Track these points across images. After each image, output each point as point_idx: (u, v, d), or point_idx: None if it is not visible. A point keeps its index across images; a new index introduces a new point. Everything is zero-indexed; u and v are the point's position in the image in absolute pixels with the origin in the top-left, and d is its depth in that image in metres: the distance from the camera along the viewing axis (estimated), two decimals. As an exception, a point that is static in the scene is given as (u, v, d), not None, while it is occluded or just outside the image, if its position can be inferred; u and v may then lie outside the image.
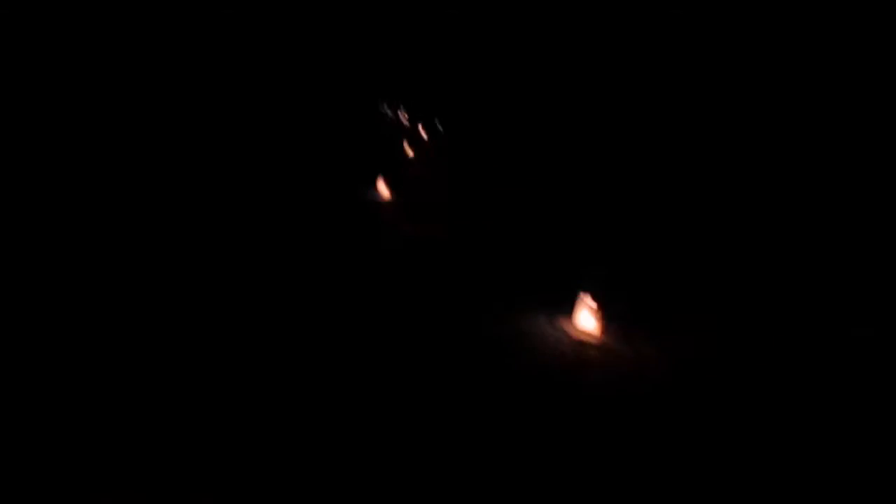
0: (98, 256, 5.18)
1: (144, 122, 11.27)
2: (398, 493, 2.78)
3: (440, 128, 25.02)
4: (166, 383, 3.34)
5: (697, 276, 6.74)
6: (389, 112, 32.66)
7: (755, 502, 2.69)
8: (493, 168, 14.69)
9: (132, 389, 3.13)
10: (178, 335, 3.81)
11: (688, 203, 9.92)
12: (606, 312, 4.91)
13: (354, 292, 5.23)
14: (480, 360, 4.21)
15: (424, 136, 22.87)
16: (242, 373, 3.52)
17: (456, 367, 4.09)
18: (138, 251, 5.78)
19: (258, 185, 9.39)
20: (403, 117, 31.07)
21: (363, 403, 3.50)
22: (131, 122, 10.86)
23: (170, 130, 11.25)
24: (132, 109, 11.65)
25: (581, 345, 4.69)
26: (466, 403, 3.62)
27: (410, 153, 16.84)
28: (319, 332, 4.25)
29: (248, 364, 3.62)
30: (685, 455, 3.31)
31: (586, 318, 4.88)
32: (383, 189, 10.25)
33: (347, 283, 5.50)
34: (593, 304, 4.90)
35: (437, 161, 15.93)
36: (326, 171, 12.02)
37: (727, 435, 3.49)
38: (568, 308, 5.16)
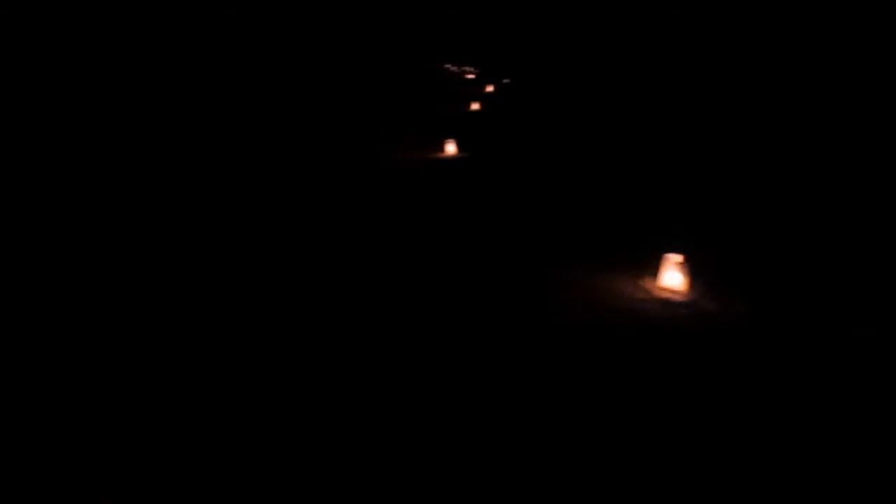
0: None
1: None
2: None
3: (506, 81, 24.45)
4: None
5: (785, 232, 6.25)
6: (455, 68, 32.25)
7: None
8: (563, 120, 14.19)
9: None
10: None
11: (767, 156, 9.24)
12: (693, 268, 4.62)
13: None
14: (564, 320, 4.08)
15: (491, 89, 22.38)
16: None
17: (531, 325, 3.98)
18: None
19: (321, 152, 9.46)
20: (468, 73, 30.60)
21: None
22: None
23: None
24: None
25: (667, 304, 4.44)
26: (539, 363, 3.52)
27: (476, 106, 16.50)
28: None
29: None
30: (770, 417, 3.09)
31: (672, 276, 4.62)
32: (451, 148, 10.10)
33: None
34: (679, 259, 4.62)
35: (505, 112, 15.54)
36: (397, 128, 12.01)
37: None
38: (651, 269, 4.90)
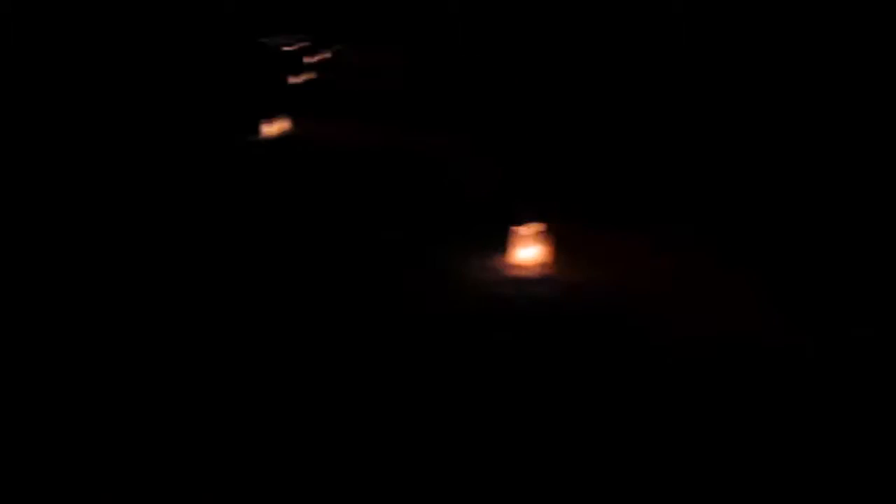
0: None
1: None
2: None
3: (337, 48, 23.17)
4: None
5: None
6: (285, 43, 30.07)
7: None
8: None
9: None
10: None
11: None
12: (547, 237, 4.19)
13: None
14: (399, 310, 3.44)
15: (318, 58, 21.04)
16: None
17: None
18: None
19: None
20: (295, 45, 28.67)
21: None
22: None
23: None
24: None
25: (521, 282, 3.97)
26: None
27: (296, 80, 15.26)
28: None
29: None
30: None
31: (525, 250, 4.15)
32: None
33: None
34: (535, 230, 4.16)
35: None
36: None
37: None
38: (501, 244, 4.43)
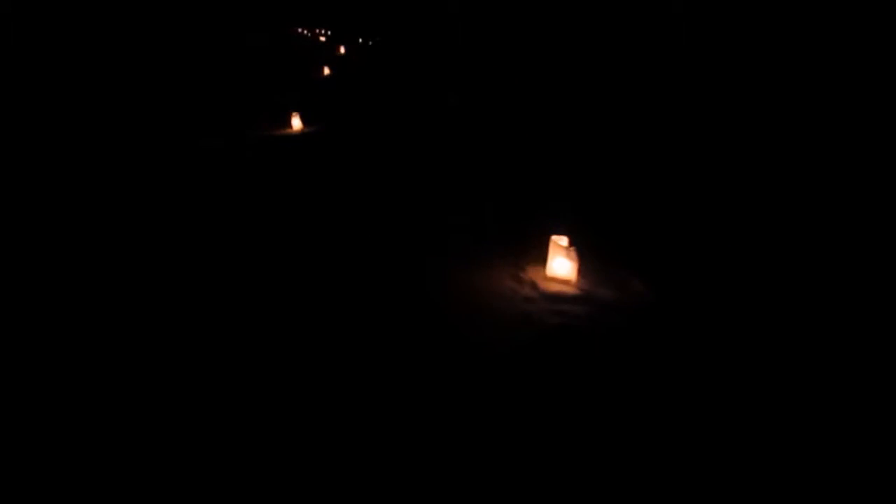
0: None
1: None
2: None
3: (364, 42, 23.04)
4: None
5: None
6: (307, 32, 30.14)
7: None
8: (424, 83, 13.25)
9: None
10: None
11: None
12: (582, 252, 3.85)
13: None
14: (424, 332, 3.14)
15: (342, 51, 20.96)
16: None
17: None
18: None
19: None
20: (321, 36, 28.69)
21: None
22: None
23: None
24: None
25: (557, 298, 3.64)
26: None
27: (327, 71, 15.13)
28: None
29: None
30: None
31: (561, 264, 3.82)
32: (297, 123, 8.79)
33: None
34: (564, 243, 3.82)
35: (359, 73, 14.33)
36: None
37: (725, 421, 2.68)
38: (535, 254, 4.11)
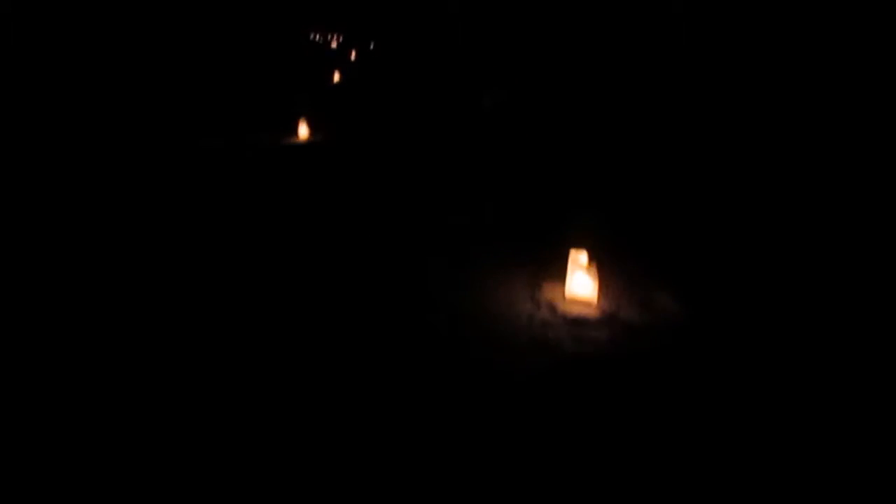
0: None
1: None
2: None
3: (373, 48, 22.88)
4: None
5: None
6: (318, 38, 30.09)
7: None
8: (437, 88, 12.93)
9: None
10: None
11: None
12: (605, 270, 3.50)
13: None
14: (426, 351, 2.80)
15: (353, 57, 20.81)
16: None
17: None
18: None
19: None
20: (334, 42, 28.61)
21: None
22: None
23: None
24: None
25: (577, 323, 3.28)
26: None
27: (337, 78, 14.91)
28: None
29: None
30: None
31: (581, 282, 3.46)
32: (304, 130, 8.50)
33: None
34: (584, 260, 3.47)
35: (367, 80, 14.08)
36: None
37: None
38: (552, 270, 3.76)
